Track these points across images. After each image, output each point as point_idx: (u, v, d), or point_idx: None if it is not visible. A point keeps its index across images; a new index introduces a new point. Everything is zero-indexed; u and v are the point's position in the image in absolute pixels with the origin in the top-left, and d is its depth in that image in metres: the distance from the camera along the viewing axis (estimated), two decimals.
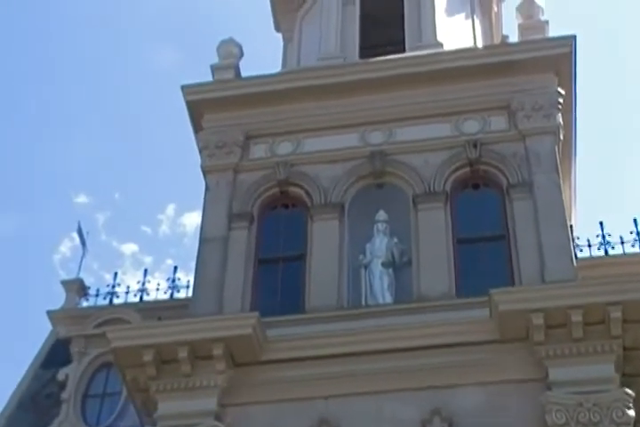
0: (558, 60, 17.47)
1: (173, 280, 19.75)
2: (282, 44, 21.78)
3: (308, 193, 17.06)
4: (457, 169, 16.81)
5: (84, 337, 18.92)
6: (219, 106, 18.20)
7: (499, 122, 17.18)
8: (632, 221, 19.13)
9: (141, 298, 19.77)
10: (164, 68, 42.32)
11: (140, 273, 20.31)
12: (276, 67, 20.58)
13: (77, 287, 20.36)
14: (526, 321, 14.05)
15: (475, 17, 20.56)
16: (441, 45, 18.90)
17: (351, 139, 17.55)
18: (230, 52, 19.58)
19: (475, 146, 16.78)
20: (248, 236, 16.77)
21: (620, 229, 19.09)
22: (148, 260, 41.07)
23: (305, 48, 20.58)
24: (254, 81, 18.48)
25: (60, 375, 18.68)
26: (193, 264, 16.57)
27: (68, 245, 38.25)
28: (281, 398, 14.51)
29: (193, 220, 39.31)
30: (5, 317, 36.87)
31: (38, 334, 22.24)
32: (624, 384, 13.67)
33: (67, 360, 18.88)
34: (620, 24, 41.30)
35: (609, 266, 17.81)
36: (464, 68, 17.63)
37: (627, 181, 39.19)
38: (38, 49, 42.08)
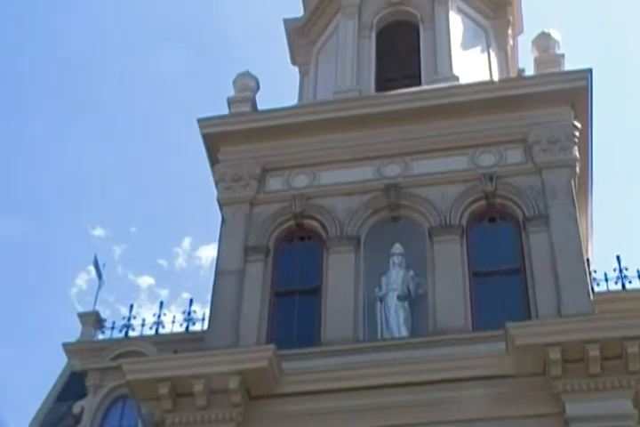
0: (574, 93, 17.52)
1: (189, 313, 19.73)
2: (298, 77, 21.92)
3: (323, 226, 17.09)
4: (473, 202, 16.83)
5: (99, 370, 18.88)
6: (235, 139, 18.32)
7: (515, 155, 17.20)
8: None
9: (157, 331, 19.74)
10: (186, 98, 42.60)
11: (156, 306, 20.30)
12: (292, 100, 20.74)
13: (93, 320, 20.36)
14: (543, 355, 13.98)
15: (490, 50, 20.67)
16: (457, 79, 18.99)
17: (367, 172, 17.60)
18: (246, 85, 19.74)
19: (491, 179, 16.80)
20: (264, 268, 16.79)
21: (637, 262, 18.99)
22: (163, 293, 41.10)
23: (321, 81, 20.73)
24: (270, 114, 18.60)
25: (76, 408, 18.63)
26: (209, 297, 16.62)
27: (84, 278, 38.37)
28: None
29: (209, 253, 39.35)
30: (22, 349, 36.92)
31: (54, 366, 22.19)
32: None
33: (82, 393, 18.83)
34: (637, 56, 41.39)
35: (626, 300, 17.69)
36: (480, 101, 17.69)
37: None
38: (53, 67, 42.30)
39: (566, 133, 17.14)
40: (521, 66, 21.50)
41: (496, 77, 19.71)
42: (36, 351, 36.98)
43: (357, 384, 14.55)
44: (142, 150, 43.08)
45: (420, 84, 19.42)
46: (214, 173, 18.31)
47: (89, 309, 20.87)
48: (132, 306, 20.39)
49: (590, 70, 17.64)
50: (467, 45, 20.38)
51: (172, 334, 19.55)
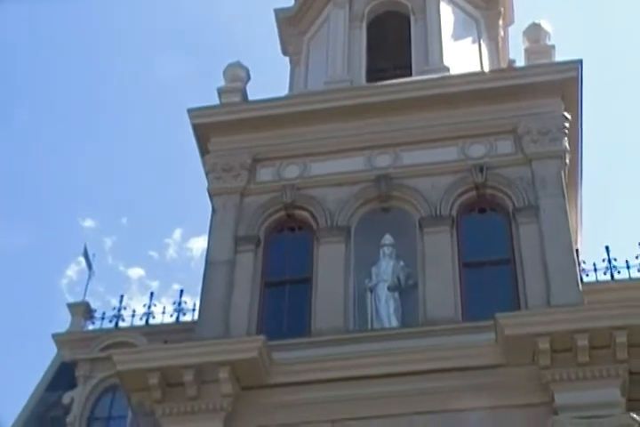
0: (565, 84, 17.54)
1: (179, 303, 19.69)
2: (289, 67, 21.88)
3: (314, 216, 17.10)
4: (463, 193, 16.85)
5: (89, 360, 18.85)
6: (225, 129, 18.30)
7: (505, 146, 17.24)
8: (638, 245, 19.07)
9: (147, 321, 19.70)
10: (173, 87, 42.52)
11: (146, 298, 20.25)
12: (283, 90, 20.72)
13: (83, 310, 20.32)
14: (532, 345, 14.03)
15: (481, 41, 20.68)
16: (447, 69, 18.99)
17: (357, 162, 17.61)
18: (237, 76, 19.70)
19: (481, 170, 16.82)
20: (254, 259, 16.80)
21: (626, 253, 19.06)
22: (154, 284, 40.98)
23: (312, 72, 20.70)
24: (261, 104, 18.58)
25: (66, 399, 18.60)
26: (199, 288, 16.60)
27: (74, 269, 38.26)
28: (287, 421, 14.49)
29: (200, 244, 39.28)
30: (11, 339, 36.83)
31: (43, 357, 22.15)
32: (630, 409, 13.65)
33: (72, 384, 18.80)
34: (627, 48, 41.44)
35: (615, 290, 17.74)
36: (471, 92, 17.71)
37: (633, 206, 39.16)
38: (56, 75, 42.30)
39: (556, 124, 17.17)
40: (512, 57, 21.51)
41: (487, 68, 19.72)
42: (25, 342, 36.92)
43: (348, 374, 14.59)
44: (132, 141, 43.00)
45: (410, 74, 19.43)
46: (205, 163, 18.28)
47: (79, 299, 20.87)
48: (122, 297, 20.35)
49: (580, 61, 17.67)
50: (457, 36, 20.37)
51: (163, 325, 19.51)
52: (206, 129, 18.38)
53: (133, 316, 19.78)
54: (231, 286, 16.38)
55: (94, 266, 21.13)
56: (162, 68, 41.78)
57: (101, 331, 19.76)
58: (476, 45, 20.58)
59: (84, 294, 20.85)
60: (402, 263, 16.44)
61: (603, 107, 36.74)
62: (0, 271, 38.77)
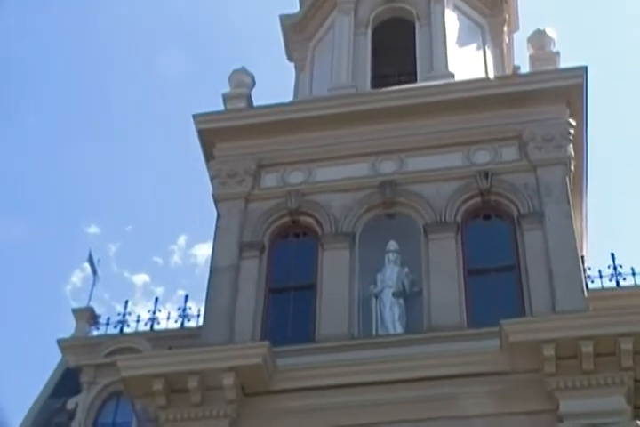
0: (570, 91, 17.55)
1: (184, 309, 19.69)
2: (294, 73, 21.92)
3: (318, 222, 17.10)
4: (468, 199, 16.85)
5: (94, 366, 18.82)
6: (230, 135, 18.32)
7: (510, 152, 17.23)
8: None
9: (152, 327, 19.68)
10: (179, 93, 42.59)
11: (151, 304, 20.31)
12: (287, 96, 20.73)
13: (88, 316, 20.31)
14: (537, 352, 14.01)
15: (486, 47, 20.70)
16: (452, 76, 19.01)
17: (362, 168, 17.62)
18: (242, 82, 19.75)
19: (486, 176, 16.81)
20: (259, 265, 16.80)
21: (631, 260, 19.04)
22: (159, 290, 41.05)
23: (317, 77, 20.74)
24: (266, 110, 18.61)
25: (70, 404, 18.59)
26: (204, 295, 16.58)
27: (79, 276, 38.25)
28: None
29: (204, 251, 39.27)
30: (15, 345, 36.83)
31: (48, 362, 22.14)
32: (635, 416, 13.63)
33: (76, 389, 18.79)
34: (632, 54, 41.43)
35: (620, 297, 17.72)
36: (475, 98, 17.72)
37: (638, 212, 39.10)
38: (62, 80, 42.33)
39: (561, 131, 17.17)
40: (516, 63, 21.48)
41: (491, 75, 19.73)
42: (30, 347, 36.95)
43: (352, 381, 14.58)
44: (138, 147, 43.05)
45: (415, 80, 19.45)
46: (209, 168, 18.31)
47: (83, 305, 20.85)
48: (126, 302, 20.34)
49: (585, 68, 17.68)
50: (462, 43, 20.40)
51: (167, 331, 19.50)
52: (211, 135, 18.40)
53: (138, 321, 19.78)
54: (236, 291, 16.39)
55: (99, 272, 21.15)
56: (168, 75, 41.88)
57: (106, 336, 19.73)
58: (481, 52, 20.61)
59: (89, 300, 20.88)
60: (406, 270, 16.42)
61: (608, 113, 36.79)
62: (4, 277, 38.85)
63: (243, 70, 20.01)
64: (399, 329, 15.71)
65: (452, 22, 20.54)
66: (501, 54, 21.17)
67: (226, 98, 19.35)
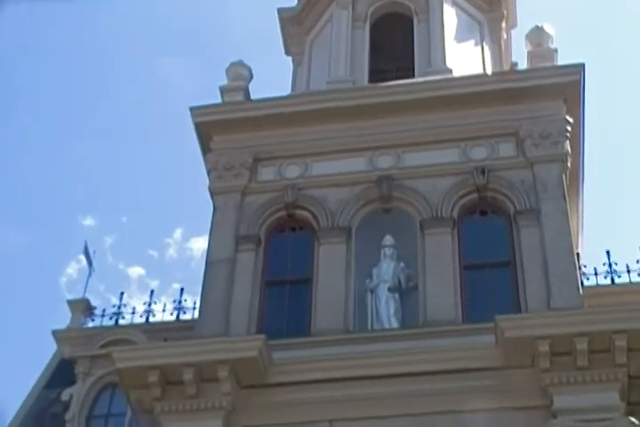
0: (567, 87, 17.58)
1: (180, 302, 19.71)
2: (291, 67, 21.91)
3: (315, 216, 17.12)
4: (464, 195, 16.88)
5: (89, 357, 18.84)
6: (227, 128, 18.31)
7: (507, 148, 17.27)
8: (638, 249, 19.11)
9: (147, 319, 19.70)
10: (175, 88, 42.54)
11: (146, 297, 20.23)
12: (285, 90, 20.73)
13: (83, 307, 20.30)
14: (532, 348, 14.07)
15: (484, 44, 20.71)
16: (450, 71, 19.02)
17: (359, 163, 17.63)
18: (240, 75, 19.71)
19: (482, 172, 16.85)
20: (255, 258, 16.82)
21: (626, 257, 19.11)
22: (154, 283, 41.06)
23: (314, 71, 20.72)
24: (263, 103, 18.60)
25: (65, 396, 18.60)
26: (199, 288, 16.61)
27: (74, 268, 38.23)
28: (285, 421, 14.53)
29: (200, 244, 39.24)
30: (11, 336, 36.82)
31: (43, 353, 22.16)
32: (629, 413, 13.69)
33: (71, 380, 18.80)
34: (629, 51, 41.48)
35: (615, 294, 17.78)
36: (473, 94, 17.73)
37: (634, 210, 39.18)
38: (55, 70, 42.24)
39: (558, 128, 17.20)
40: (514, 60, 21.54)
41: (489, 71, 19.73)
42: (25, 338, 36.94)
43: (347, 375, 14.62)
44: (134, 140, 43.00)
45: (413, 76, 19.45)
46: (206, 161, 18.31)
47: (79, 297, 20.84)
48: (122, 294, 20.34)
49: (583, 65, 17.72)
50: (460, 38, 20.40)
51: (163, 323, 19.51)
52: (208, 127, 18.39)
53: (133, 313, 19.79)
54: (231, 284, 16.40)
55: (94, 264, 21.15)
56: (164, 67, 41.83)
57: (101, 328, 19.75)
58: (479, 48, 20.61)
59: (84, 292, 20.87)
60: (402, 264, 16.46)
61: (605, 110, 36.84)
62: (0, 269, 38.80)
63: (240, 63, 19.97)
64: (394, 324, 15.75)
65: (451, 18, 20.54)
66: (499, 50, 21.19)
67: (223, 91, 19.32)
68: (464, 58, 19.87)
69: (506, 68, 20.69)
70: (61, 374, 19.24)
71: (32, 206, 40.87)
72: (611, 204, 38.38)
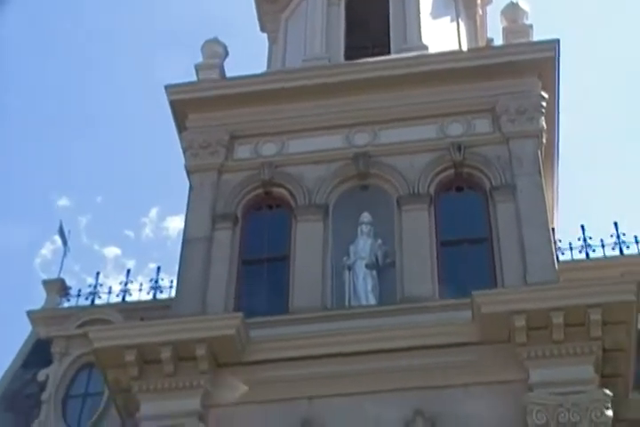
0: (542, 63, 17.59)
1: (156, 281, 19.66)
2: (267, 44, 21.79)
3: (292, 194, 17.08)
4: (441, 171, 16.89)
5: (65, 338, 18.74)
6: (203, 106, 18.20)
7: (483, 125, 17.27)
8: (613, 224, 19.25)
9: (124, 299, 19.64)
10: (149, 64, 42.25)
11: (122, 277, 20.15)
12: (261, 68, 20.62)
13: (58, 287, 20.17)
14: (508, 323, 14.13)
15: (460, 20, 20.66)
16: (426, 48, 18.97)
17: (336, 140, 17.58)
18: (215, 52, 19.60)
19: (459, 148, 16.85)
20: (232, 236, 16.77)
21: (601, 232, 19.23)
22: (130, 263, 40.78)
23: (290, 49, 20.60)
24: (239, 81, 18.50)
25: (41, 376, 18.48)
26: (176, 267, 16.54)
27: (49, 248, 38.03)
28: (264, 398, 14.52)
29: (176, 224, 39.13)
30: None
31: (18, 334, 22.06)
32: (603, 385, 13.82)
33: (47, 361, 18.68)
34: (604, 28, 41.56)
35: (590, 269, 17.90)
36: (449, 70, 17.71)
37: (608, 185, 39.38)
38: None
39: (534, 103, 17.22)
40: (490, 36, 21.50)
41: (465, 47, 19.70)
42: None
43: (325, 352, 14.62)
44: (109, 119, 42.69)
45: (389, 52, 19.38)
46: (182, 140, 18.19)
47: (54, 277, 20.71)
48: (97, 273, 20.25)
49: (558, 41, 17.71)
50: (436, 15, 20.33)
51: (139, 302, 19.45)
52: (184, 105, 18.27)
53: (110, 293, 19.71)
54: (208, 263, 16.35)
55: (69, 244, 21.02)
56: (140, 44, 41.51)
57: (77, 308, 19.65)
58: (455, 24, 20.55)
59: (60, 272, 20.75)
60: (380, 241, 16.45)
61: (580, 86, 36.94)
62: None
63: (215, 40, 19.85)
64: (372, 300, 15.77)
65: None
66: (475, 27, 21.17)
67: (198, 68, 19.21)
68: (440, 34, 19.82)
69: (481, 44, 20.66)
70: (37, 354, 19.14)
71: (5, 187, 40.60)
72: (585, 179, 38.54)
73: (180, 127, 18.40)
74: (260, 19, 22.28)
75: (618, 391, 14.05)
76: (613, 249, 18.85)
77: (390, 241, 16.37)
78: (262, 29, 22.35)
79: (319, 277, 15.93)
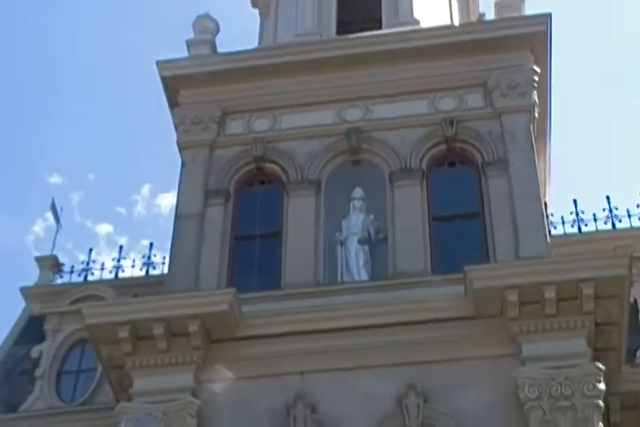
0: (534, 38, 17.53)
1: (149, 257, 19.68)
2: (258, 20, 21.65)
3: (284, 169, 17.05)
4: (433, 146, 16.86)
5: (58, 314, 18.79)
6: (195, 82, 18.12)
7: (475, 99, 17.23)
8: (605, 198, 19.30)
9: (116, 275, 19.66)
10: (139, 41, 42.07)
11: (115, 253, 20.15)
12: (252, 43, 20.51)
13: (51, 264, 20.18)
14: (500, 298, 14.16)
15: None
16: (418, 23, 18.88)
17: (328, 115, 17.53)
18: (206, 28, 19.48)
19: (451, 123, 16.81)
20: (224, 212, 16.75)
21: (593, 206, 19.27)
22: (122, 240, 40.90)
23: (281, 24, 20.45)
24: (230, 57, 18.41)
25: (34, 352, 18.55)
26: (168, 245, 16.55)
27: (41, 226, 38.01)
28: (257, 373, 14.57)
29: (168, 200, 39.19)
30: None
31: (11, 310, 22.09)
32: (595, 359, 13.87)
33: (41, 337, 18.75)
34: (596, 2, 41.43)
35: (582, 243, 17.97)
36: (441, 45, 17.64)
37: (600, 159, 39.47)
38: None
39: (526, 78, 17.18)
40: (481, 10, 21.40)
41: (457, 22, 19.62)
42: None
43: (317, 327, 14.65)
44: (99, 95, 42.52)
45: (380, 27, 19.28)
46: (174, 116, 18.13)
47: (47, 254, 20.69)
48: (90, 250, 20.28)
49: (550, 15, 17.65)
50: None
51: (132, 279, 19.49)
52: (175, 81, 18.19)
53: (102, 269, 19.74)
54: (201, 239, 16.34)
55: (62, 222, 21.00)
56: (128, 21, 41.27)
57: (70, 284, 19.68)
58: None
59: (53, 249, 20.75)
60: (372, 217, 16.45)
61: (572, 60, 36.87)
62: None
63: (207, 16, 19.72)
64: (364, 276, 15.79)
65: None
66: (466, 1, 21.06)
67: (190, 44, 19.09)
68: (431, 9, 19.70)
69: (473, 18, 20.57)
70: (30, 331, 19.18)
71: None
72: (577, 153, 38.64)
73: (172, 103, 18.33)
74: None
75: (610, 365, 14.12)
76: (606, 223, 18.93)
77: (382, 216, 16.36)
78: (254, 5, 22.21)
79: (311, 253, 15.92)
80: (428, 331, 14.42)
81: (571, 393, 13.39)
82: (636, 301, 16.96)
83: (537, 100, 17.15)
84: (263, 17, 21.50)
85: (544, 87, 17.74)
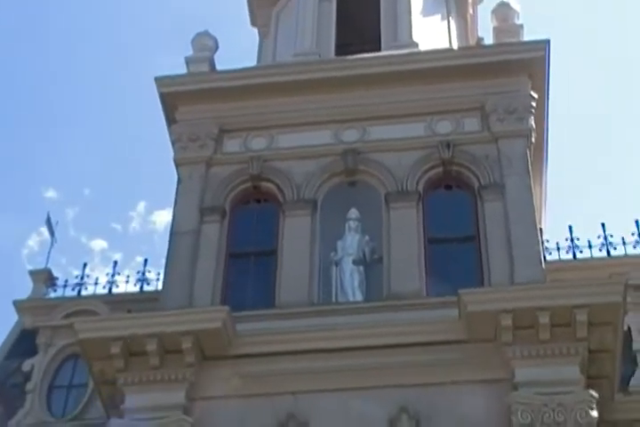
0: (532, 63, 17.66)
1: (143, 273, 19.64)
2: (257, 38, 21.76)
3: (280, 189, 17.09)
4: (429, 169, 16.93)
5: (50, 328, 18.74)
6: (193, 98, 18.17)
7: (472, 123, 17.33)
8: (600, 225, 19.37)
9: (110, 290, 19.61)
10: (138, 54, 42.14)
11: (109, 269, 20.14)
12: (251, 62, 20.61)
13: (45, 278, 20.12)
14: (494, 322, 14.19)
15: (450, 18, 20.70)
16: (416, 45, 19.01)
17: (325, 136, 17.59)
18: (205, 45, 19.58)
19: (448, 146, 16.90)
20: (220, 230, 16.76)
21: (588, 233, 19.35)
22: (117, 256, 40.77)
23: (280, 44, 20.59)
24: (229, 74, 18.48)
25: (26, 366, 18.48)
26: (163, 261, 16.53)
27: (36, 240, 37.90)
28: (249, 392, 14.54)
29: (163, 217, 39.20)
30: None
31: (4, 323, 22.01)
32: (588, 386, 13.90)
33: (33, 351, 18.69)
34: (594, 28, 41.71)
35: (577, 269, 18.01)
36: (439, 68, 17.74)
37: (596, 186, 39.61)
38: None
39: (523, 103, 17.28)
40: (480, 35, 21.57)
41: (455, 45, 19.73)
42: None
43: (311, 347, 14.65)
44: (98, 112, 42.53)
45: (379, 49, 19.40)
46: (171, 133, 18.15)
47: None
48: (84, 264, 20.23)
49: (548, 41, 17.79)
50: (427, 12, 20.36)
51: (126, 294, 19.43)
52: (173, 98, 18.24)
53: (96, 284, 19.69)
54: (196, 256, 16.33)
55: (56, 236, 20.97)
56: (128, 36, 41.36)
57: (63, 299, 19.63)
58: (446, 22, 20.59)
59: (47, 262, 20.70)
60: (367, 238, 16.49)
61: (569, 86, 37.09)
62: None
63: (206, 33, 19.82)
64: (359, 296, 15.81)
65: None
66: (465, 25, 21.23)
67: (188, 61, 19.17)
68: (430, 32, 19.86)
69: (472, 43, 20.74)
70: (22, 344, 19.11)
71: None
72: (574, 179, 38.76)
73: (170, 120, 18.38)
74: (251, 13, 22.27)
75: (603, 393, 14.14)
76: (600, 250, 18.97)
77: (378, 238, 16.40)
78: (253, 24, 22.33)
79: (306, 273, 15.94)
80: (421, 353, 14.43)
81: (563, 420, 13.40)
82: (629, 329, 16.99)
83: (534, 125, 17.27)
84: (262, 36, 21.61)
85: (541, 112, 17.87)
